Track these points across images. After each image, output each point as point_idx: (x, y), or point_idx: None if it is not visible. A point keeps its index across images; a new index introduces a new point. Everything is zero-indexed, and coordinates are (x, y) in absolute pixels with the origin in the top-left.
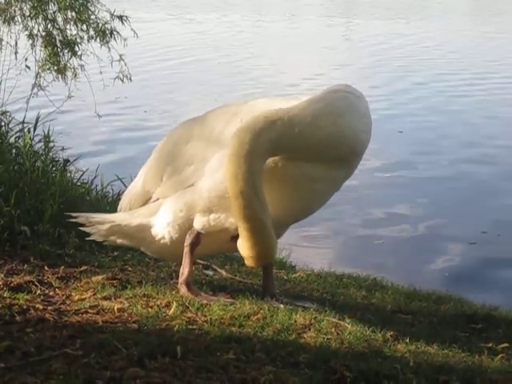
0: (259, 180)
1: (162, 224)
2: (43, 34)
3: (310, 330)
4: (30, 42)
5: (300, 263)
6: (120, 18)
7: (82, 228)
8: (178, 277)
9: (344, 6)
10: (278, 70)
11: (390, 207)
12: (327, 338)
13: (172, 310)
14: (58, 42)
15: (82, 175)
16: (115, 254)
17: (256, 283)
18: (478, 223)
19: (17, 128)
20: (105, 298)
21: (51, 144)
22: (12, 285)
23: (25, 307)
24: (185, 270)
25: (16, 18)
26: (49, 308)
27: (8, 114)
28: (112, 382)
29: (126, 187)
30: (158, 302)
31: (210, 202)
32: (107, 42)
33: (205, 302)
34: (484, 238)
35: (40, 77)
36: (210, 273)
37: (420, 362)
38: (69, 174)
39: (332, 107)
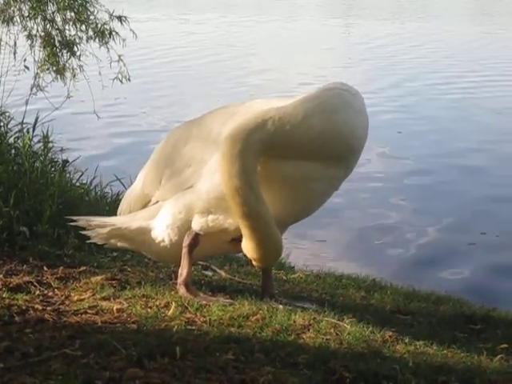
0: (254, 178)
1: (161, 227)
2: (42, 34)
3: (309, 330)
4: (29, 42)
5: (299, 264)
6: (119, 18)
7: (82, 232)
8: (177, 277)
9: (343, 7)
10: (279, 70)
11: (389, 208)
12: (326, 339)
13: (171, 310)
14: (56, 42)
15: (81, 176)
16: (114, 254)
17: (255, 284)
18: (477, 224)
19: (16, 128)
20: (104, 299)
21: (50, 144)
22: (11, 285)
23: (24, 308)
24: (183, 271)
25: (15, 19)
26: (48, 308)
27: (7, 114)
28: (111, 383)
29: (125, 188)
30: (157, 303)
31: (209, 203)
32: (106, 43)
33: (204, 302)
34: (483, 238)
35: (39, 77)
36: (209, 273)
37: (419, 363)
38: (68, 175)
39: (326, 105)
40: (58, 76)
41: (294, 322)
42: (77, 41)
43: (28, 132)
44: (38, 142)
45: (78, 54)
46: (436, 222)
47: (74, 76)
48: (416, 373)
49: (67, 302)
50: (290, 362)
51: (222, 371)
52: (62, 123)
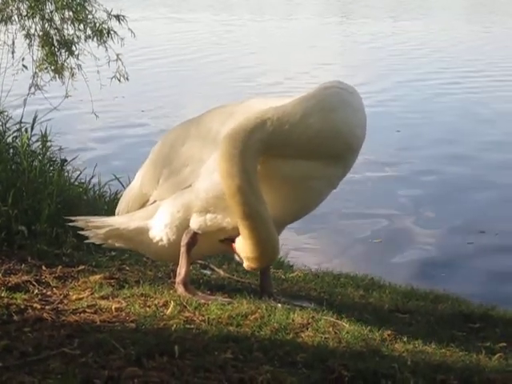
0: (254, 177)
1: (159, 226)
2: (40, 33)
3: (307, 329)
4: (27, 41)
5: (297, 263)
6: (117, 17)
7: (80, 232)
8: (175, 276)
9: (340, 5)
10: (277, 68)
11: (388, 206)
12: (325, 338)
13: (170, 309)
14: (55, 41)
15: (79, 175)
16: (113, 253)
17: (254, 283)
18: (476, 223)
19: (14, 128)
20: (102, 298)
21: (49, 143)
22: (10, 284)
23: (22, 307)
24: (181, 270)
25: (13, 18)
26: (46, 307)
27: (5, 113)
28: (110, 382)
29: (124, 187)
30: (156, 302)
31: (207, 202)
32: (104, 42)
33: (202, 301)
34: (482, 237)
35: (37, 76)
36: (208, 272)
37: (418, 361)
38: (66, 174)
39: (324, 103)
40: (57, 75)
41: (293, 320)
42: (75, 40)
43: (26, 131)
44: (37, 141)
45: (76, 53)
46: (435, 220)
47: (73, 75)
48: (414, 371)
49: (66, 301)
50: (288, 361)
51: (220, 370)
52: (60, 122)
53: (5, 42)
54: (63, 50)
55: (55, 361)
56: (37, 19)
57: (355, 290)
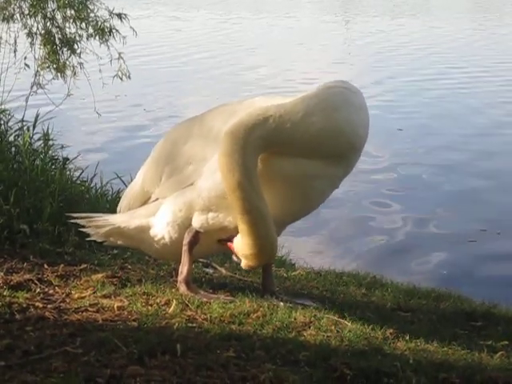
0: (254, 174)
1: (161, 224)
2: (42, 32)
3: (309, 327)
4: (29, 40)
5: (299, 261)
6: (119, 15)
7: (81, 229)
8: (177, 275)
9: (341, 4)
10: (278, 68)
11: (390, 205)
12: (327, 336)
13: (172, 308)
14: (57, 40)
15: (81, 173)
16: (115, 252)
17: (256, 281)
18: (477, 221)
19: (16, 126)
20: (104, 296)
21: (50, 142)
22: (12, 283)
23: (24, 305)
24: (184, 269)
25: (15, 17)
26: (49, 306)
27: (7, 112)
28: (112, 380)
29: (126, 185)
30: (158, 300)
31: (209, 201)
32: (106, 40)
33: (204, 300)
34: (484, 235)
35: (39, 75)
36: (210, 271)
37: (420, 360)
38: (68, 173)
39: (327, 103)
40: (59, 74)
41: (295, 319)
42: (77, 38)
43: (28, 130)
44: (39, 139)
45: (78, 51)
46: (437, 219)
47: (75, 74)
48: (417, 370)
49: (68, 300)
50: (290, 360)
51: (222, 368)
52: (62, 121)
53: (6, 41)
54: (65, 49)
55: (57, 360)
56: (39, 18)
57: (357, 288)
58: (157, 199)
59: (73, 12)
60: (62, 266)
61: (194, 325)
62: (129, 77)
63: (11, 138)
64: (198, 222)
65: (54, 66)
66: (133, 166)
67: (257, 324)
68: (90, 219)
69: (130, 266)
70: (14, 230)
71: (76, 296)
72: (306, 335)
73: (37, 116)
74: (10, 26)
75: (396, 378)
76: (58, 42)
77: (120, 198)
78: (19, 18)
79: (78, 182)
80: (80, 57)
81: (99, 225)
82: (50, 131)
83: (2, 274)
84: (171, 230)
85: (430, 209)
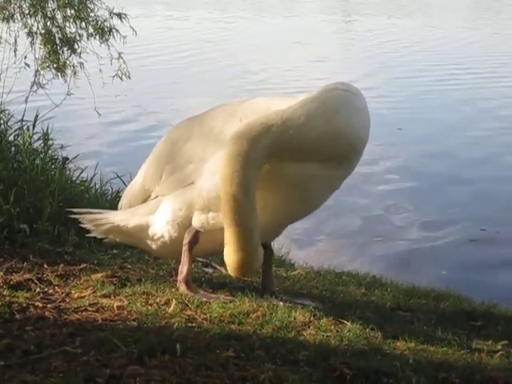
0: (254, 187)
1: (161, 223)
2: (42, 31)
3: (309, 327)
4: (30, 39)
5: (299, 261)
6: (118, 15)
7: (81, 225)
8: (177, 275)
9: (340, 4)
10: (279, 68)
11: (389, 204)
12: (327, 336)
13: (171, 307)
14: (57, 39)
15: (81, 173)
16: (114, 251)
17: (255, 281)
18: (477, 220)
19: (16, 126)
20: (104, 296)
21: (50, 142)
22: (11, 283)
23: (24, 305)
24: (183, 268)
25: (15, 16)
26: (48, 306)
27: (7, 111)
28: (112, 380)
29: (126, 185)
30: (158, 300)
31: (209, 201)
32: (106, 40)
33: (204, 299)
34: (483, 235)
35: (39, 74)
36: (210, 270)
37: (419, 360)
38: (68, 172)
39: (327, 106)
40: (59, 73)
41: (295, 318)
42: (77, 38)
43: (28, 129)
44: (38, 139)
45: (78, 51)
46: (436, 218)
47: (75, 73)
48: (416, 370)
49: (68, 300)
50: (290, 359)
51: (222, 368)
52: (62, 120)
53: (6, 41)
54: (65, 48)
55: (57, 359)
56: (39, 17)
57: (357, 288)
58: (157, 197)
59: (73, 11)
60: (61, 265)
61: (194, 324)
62: (129, 77)
63: (11, 138)
64: (198, 221)
65: (54, 65)
66: (132, 166)
67: (256, 324)
68: (90, 216)
69: (129, 266)
70: (14, 230)
71: (76, 296)
72: (306, 335)
73: (37, 115)
74: (10, 26)
75: (396, 377)
76: (58, 41)
77: (120, 197)
78: (19, 18)
79: (78, 181)
80: (80, 56)
81: (99, 223)
82: (49, 131)
83: (1, 273)
84: (171, 229)
85: (429, 207)
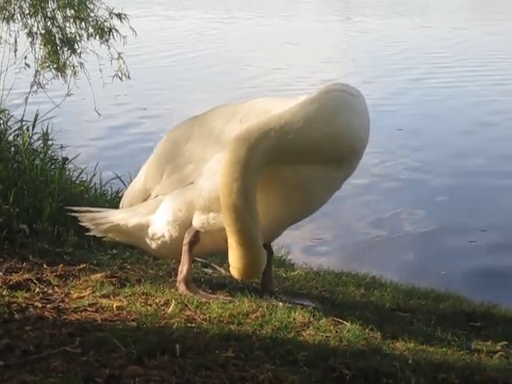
0: (253, 194)
1: (161, 222)
2: (43, 31)
3: (308, 328)
4: (30, 39)
5: (299, 261)
6: (118, 15)
7: (81, 224)
8: (176, 275)
9: (340, 5)
10: (279, 68)
11: (389, 205)
12: (326, 336)
13: (171, 308)
14: (57, 39)
15: (80, 173)
16: (114, 252)
17: (255, 281)
18: (477, 221)
19: (15, 126)
20: (104, 296)
21: (50, 142)
22: (11, 283)
23: (24, 305)
24: (183, 268)
25: (15, 16)
26: (48, 306)
27: (7, 111)
28: (111, 380)
29: (125, 185)
30: (157, 300)
31: (210, 201)
32: (106, 40)
33: (204, 300)
34: (483, 236)
35: (39, 75)
36: (209, 271)
37: (419, 360)
38: (67, 172)
39: (326, 108)
40: (59, 73)
41: (294, 319)
42: (77, 38)
43: (28, 129)
44: (38, 139)
45: (78, 51)
46: (436, 219)
47: (75, 73)
48: (416, 370)
49: (67, 300)
50: (289, 360)
51: (221, 369)
52: (62, 121)
53: (6, 41)
54: (65, 49)
55: (56, 359)
56: (39, 17)
57: (356, 288)
58: (157, 196)
59: (73, 12)
60: (61, 265)
61: (193, 325)
62: (128, 77)
63: (11, 138)
64: (198, 222)
65: (54, 65)
66: (132, 166)
67: (256, 324)
68: (90, 215)
69: (129, 266)
70: (14, 230)
71: (75, 296)
72: (305, 335)
73: (36, 116)
74: (10, 26)
75: (395, 378)
76: (58, 41)
77: (119, 197)
78: (19, 18)
79: (78, 181)
80: (80, 56)
81: (99, 221)
82: (49, 131)
83: (1, 273)
84: (171, 228)
85: (428, 208)
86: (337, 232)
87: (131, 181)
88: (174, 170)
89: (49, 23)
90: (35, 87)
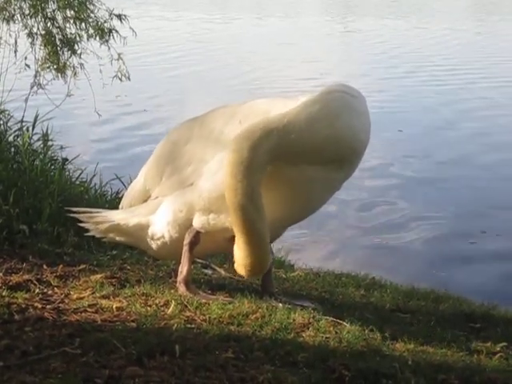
0: (259, 193)
1: (161, 223)
2: (43, 32)
3: (308, 329)
4: (30, 40)
5: (299, 262)
6: (118, 16)
7: (81, 224)
8: (176, 275)
9: (341, 5)
10: (279, 68)
11: (389, 206)
12: (326, 337)
13: (171, 308)
14: (57, 40)
15: (80, 174)
16: (114, 252)
17: (255, 282)
18: (477, 223)
19: (15, 127)
20: (103, 297)
21: (50, 143)
22: (11, 284)
23: (23, 306)
24: (183, 269)
25: (15, 17)
26: (47, 307)
27: (7, 112)
28: (111, 381)
29: (125, 186)
30: (157, 301)
31: (210, 202)
32: (106, 41)
33: (203, 300)
34: (484, 237)
35: (39, 75)
36: (209, 272)
37: (418, 361)
38: (67, 173)
39: (328, 109)
40: (59, 74)
41: (294, 320)
42: (77, 39)
43: (28, 130)
44: (38, 140)
45: (78, 52)
46: (436, 220)
47: (75, 74)
48: (415, 371)
49: (67, 301)
50: (289, 361)
51: (221, 369)
52: (62, 121)
53: (6, 41)
54: (65, 49)
55: (56, 360)
56: (39, 18)
57: (356, 289)
58: (157, 197)
59: (73, 12)
60: (61, 266)
61: (193, 326)
62: (128, 77)
63: (11, 139)
64: (198, 222)
65: (55, 66)
66: (132, 167)
67: (255, 325)
68: (90, 215)
69: (128, 267)
70: (14, 231)
71: (75, 296)
72: (305, 336)
73: (36, 116)
74: (10, 27)
75: (395, 379)
76: (58, 42)
77: (119, 198)
78: (20, 19)
79: (78, 182)
80: (80, 57)
81: (99, 221)
82: (49, 131)
83: (1, 274)
84: (171, 229)
85: (429, 210)
86: (337, 233)
87: (131, 182)
88: (173, 172)
89: (49, 24)
90: (35, 88)
